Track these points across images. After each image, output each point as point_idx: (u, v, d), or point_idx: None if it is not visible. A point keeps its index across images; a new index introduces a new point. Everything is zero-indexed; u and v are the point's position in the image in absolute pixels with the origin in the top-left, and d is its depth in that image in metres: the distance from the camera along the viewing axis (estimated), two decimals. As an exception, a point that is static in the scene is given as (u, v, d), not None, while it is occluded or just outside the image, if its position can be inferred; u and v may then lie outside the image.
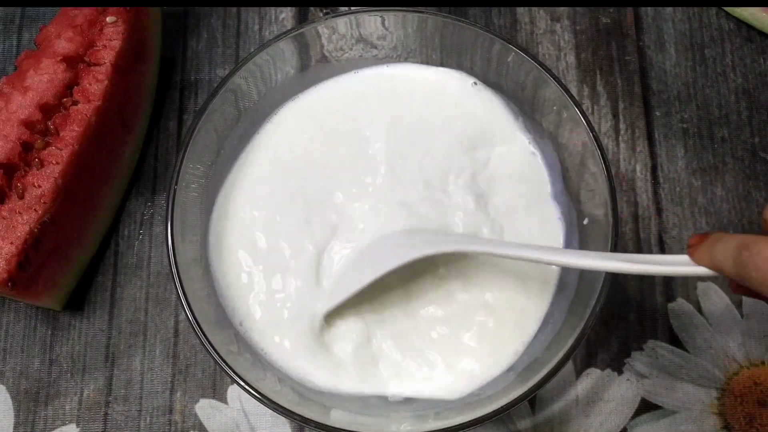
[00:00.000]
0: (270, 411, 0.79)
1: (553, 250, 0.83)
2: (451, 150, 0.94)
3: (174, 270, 0.82)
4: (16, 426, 0.97)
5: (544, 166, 0.94)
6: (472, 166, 0.94)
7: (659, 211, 1.03)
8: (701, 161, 1.05)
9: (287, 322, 0.89)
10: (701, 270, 0.70)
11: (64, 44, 0.98)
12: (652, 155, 1.06)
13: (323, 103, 0.98)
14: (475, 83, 0.97)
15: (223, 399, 0.97)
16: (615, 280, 0.99)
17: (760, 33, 1.11)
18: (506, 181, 0.94)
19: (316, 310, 0.89)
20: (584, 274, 0.86)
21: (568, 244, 0.91)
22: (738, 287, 0.70)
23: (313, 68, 0.97)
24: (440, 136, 0.95)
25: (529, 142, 0.95)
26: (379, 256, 0.89)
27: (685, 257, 0.71)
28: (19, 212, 0.91)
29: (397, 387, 0.88)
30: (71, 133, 0.95)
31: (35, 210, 0.92)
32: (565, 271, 0.90)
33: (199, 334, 0.80)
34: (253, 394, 0.78)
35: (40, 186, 0.92)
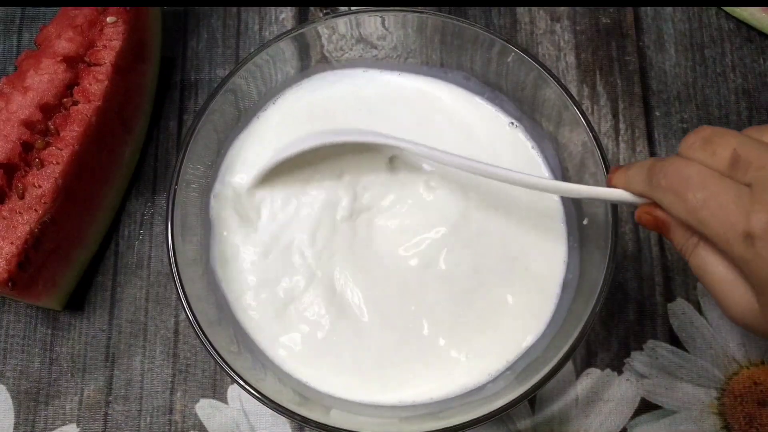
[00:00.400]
0: (270, 411, 0.79)
1: (490, 167, 0.83)
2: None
3: (174, 270, 0.82)
4: (16, 426, 0.97)
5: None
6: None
7: (659, 210, 1.03)
8: (701, 161, 1.06)
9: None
10: (616, 192, 0.74)
11: (64, 44, 0.98)
12: (652, 155, 1.06)
13: (332, 100, 0.98)
14: (513, 123, 0.97)
15: (223, 399, 0.98)
16: (615, 280, 0.99)
17: (760, 33, 1.11)
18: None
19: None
20: (585, 274, 0.86)
21: (569, 242, 0.92)
22: (643, 213, 0.73)
23: (314, 68, 0.97)
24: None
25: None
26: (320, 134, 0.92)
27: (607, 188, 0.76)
28: (20, 212, 0.92)
29: (398, 394, 0.88)
30: (71, 133, 0.95)
31: (35, 210, 0.92)
32: (567, 271, 0.90)
33: (199, 334, 0.80)
34: (253, 394, 0.78)
35: (40, 186, 0.93)
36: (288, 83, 0.97)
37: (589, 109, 1.08)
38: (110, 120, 0.99)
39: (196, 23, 1.13)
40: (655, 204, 0.70)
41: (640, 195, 0.72)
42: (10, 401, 0.98)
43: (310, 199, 0.93)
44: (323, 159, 0.93)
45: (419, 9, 0.92)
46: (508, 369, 0.88)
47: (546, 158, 0.95)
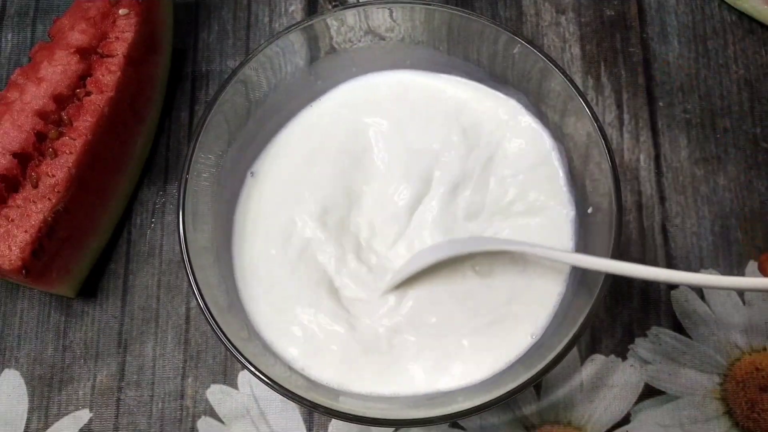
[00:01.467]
0: (280, 396, 0.79)
1: (614, 262, 0.81)
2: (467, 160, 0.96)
3: (185, 258, 0.83)
4: (30, 411, 0.99)
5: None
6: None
7: (662, 200, 1.04)
8: (704, 151, 1.06)
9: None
10: None
11: (77, 36, 0.99)
12: (656, 145, 1.07)
13: (347, 106, 0.99)
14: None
15: (233, 384, 0.99)
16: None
17: (762, 25, 1.11)
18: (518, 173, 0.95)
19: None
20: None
21: (575, 233, 0.92)
22: None
23: (323, 60, 0.98)
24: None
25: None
26: (431, 251, 0.91)
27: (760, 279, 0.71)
28: (33, 201, 0.93)
29: (409, 386, 0.89)
30: (84, 123, 0.96)
31: (49, 199, 0.93)
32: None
33: (210, 320, 0.80)
34: (263, 380, 0.79)
35: (53, 175, 0.94)
36: (298, 74, 0.98)
37: (594, 100, 1.08)
38: (122, 110, 1.00)
39: (207, 15, 1.14)
40: None
41: None
42: (24, 387, 0.99)
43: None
44: None
45: (426, 1, 0.93)
46: (516, 362, 0.89)
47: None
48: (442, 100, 0.98)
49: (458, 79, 0.99)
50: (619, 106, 1.08)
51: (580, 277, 0.87)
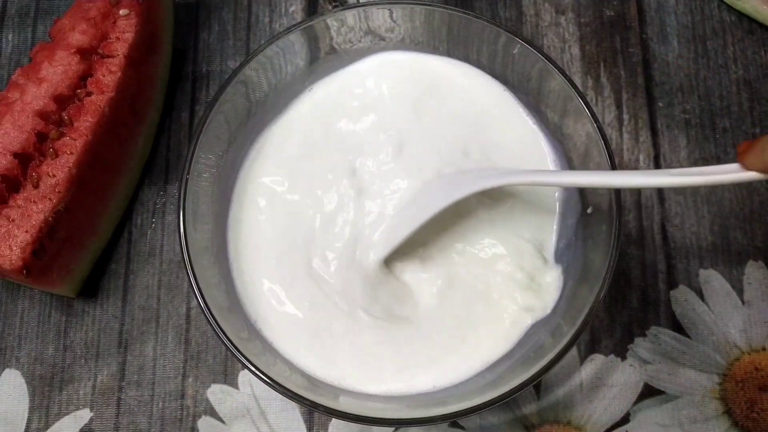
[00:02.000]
0: (280, 396, 0.79)
1: (602, 173, 0.83)
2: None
3: (186, 258, 0.83)
4: (30, 410, 0.99)
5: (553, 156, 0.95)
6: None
7: (662, 200, 1.04)
8: (703, 151, 1.07)
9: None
10: (751, 175, 0.70)
11: (78, 36, 0.99)
12: (655, 145, 1.07)
13: (337, 91, 0.99)
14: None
15: (234, 384, 0.99)
16: (618, 267, 1.00)
17: (761, 25, 1.11)
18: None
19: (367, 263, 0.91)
20: (589, 262, 0.87)
21: (573, 232, 0.93)
22: None
23: (323, 60, 0.98)
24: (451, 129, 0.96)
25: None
26: (427, 199, 0.90)
27: (733, 165, 0.71)
28: (34, 201, 0.93)
29: (404, 383, 0.89)
30: (85, 123, 0.96)
31: (50, 199, 0.93)
32: (563, 248, 0.92)
33: (211, 320, 0.81)
34: (263, 379, 0.79)
35: (54, 175, 0.94)
36: (298, 74, 0.98)
37: (594, 100, 1.08)
38: (123, 111, 1.00)
39: (208, 15, 1.14)
40: None
41: None
42: (24, 386, 0.99)
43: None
44: None
45: (426, 1, 0.93)
46: (505, 357, 0.89)
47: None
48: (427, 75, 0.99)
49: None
50: (619, 107, 1.08)
51: (580, 274, 0.88)
